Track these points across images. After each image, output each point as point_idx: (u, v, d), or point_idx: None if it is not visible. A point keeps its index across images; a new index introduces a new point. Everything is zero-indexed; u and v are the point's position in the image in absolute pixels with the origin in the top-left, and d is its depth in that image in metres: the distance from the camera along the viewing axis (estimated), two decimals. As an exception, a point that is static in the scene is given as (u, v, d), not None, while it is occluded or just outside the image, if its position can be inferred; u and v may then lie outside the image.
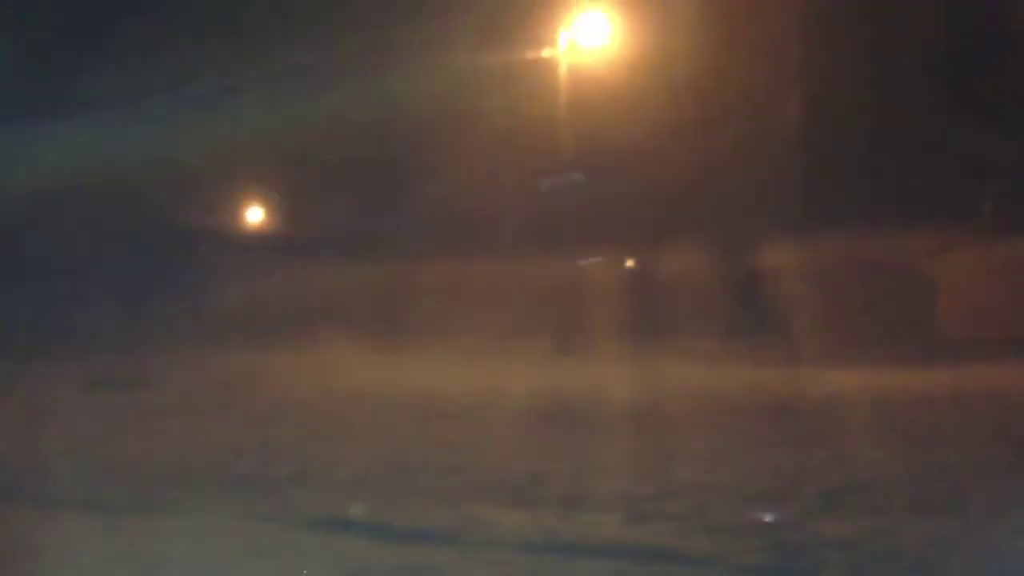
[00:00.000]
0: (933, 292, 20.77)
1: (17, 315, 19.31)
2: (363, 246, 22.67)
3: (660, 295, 21.31)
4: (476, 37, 18.01)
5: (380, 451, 10.54)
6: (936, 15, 19.01)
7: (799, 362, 18.25)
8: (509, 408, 13.37)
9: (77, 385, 15.84)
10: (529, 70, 18.70)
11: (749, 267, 20.98)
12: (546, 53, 18.61)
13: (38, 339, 18.71)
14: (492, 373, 16.49)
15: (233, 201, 24.48)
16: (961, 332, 19.90)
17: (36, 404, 13.94)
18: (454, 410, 13.24)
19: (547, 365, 18.08)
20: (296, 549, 7.52)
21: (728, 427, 12.10)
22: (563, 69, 18.70)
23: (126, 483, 9.58)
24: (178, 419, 13.19)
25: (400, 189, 22.13)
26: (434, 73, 18.30)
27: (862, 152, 20.96)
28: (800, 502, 8.69)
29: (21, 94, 19.18)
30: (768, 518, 8.19)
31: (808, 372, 16.80)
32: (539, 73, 18.74)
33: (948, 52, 19.11)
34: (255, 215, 25.22)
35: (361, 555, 7.29)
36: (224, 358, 18.35)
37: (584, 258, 22.77)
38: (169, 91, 18.92)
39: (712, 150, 21.21)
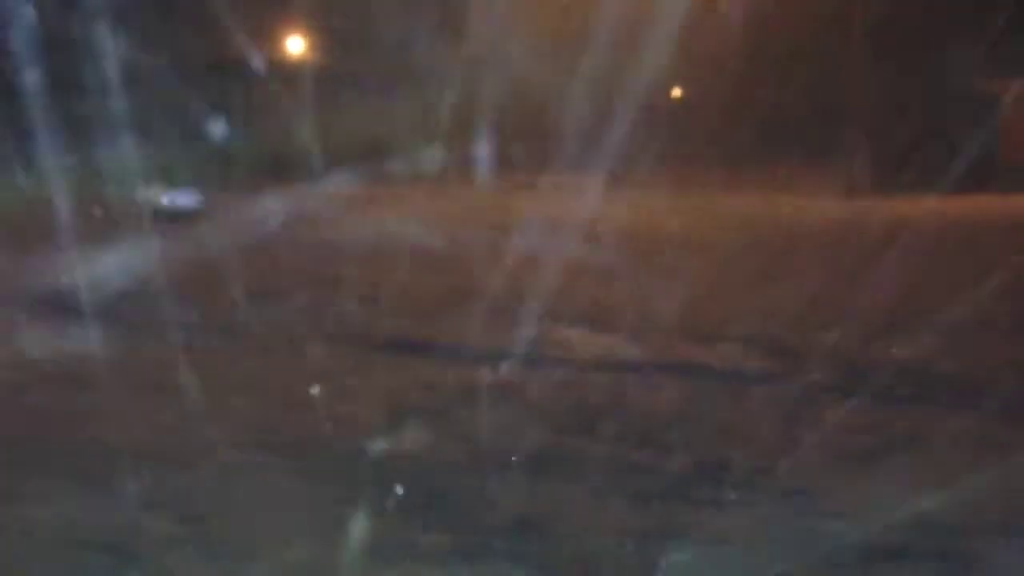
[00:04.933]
0: (995, 122, 20.27)
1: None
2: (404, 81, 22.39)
3: (724, 129, 20.99)
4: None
5: (447, 278, 10.66)
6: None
7: (857, 192, 18.11)
8: (570, 235, 13.41)
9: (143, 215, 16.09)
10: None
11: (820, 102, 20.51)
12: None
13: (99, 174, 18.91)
14: (547, 203, 16.49)
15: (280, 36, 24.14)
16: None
17: (104, 235, 14.18)
18: (513, 238, 13.29)
19: (601, 196, 18.01)
20: (374, 368, 7.70)
21: (788, 254, 12.10)
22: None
23: (198, 307, 9.78)
24: (236, 250, 13.35)
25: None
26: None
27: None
28: (863, 326, 8.74)
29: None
30: (832, 340, 8.26)
31: (870, 201, 16.66)
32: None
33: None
34: (297, 47, 24.83)
35: (440, 375, 7.45)
36: (283, 194, 18.47)
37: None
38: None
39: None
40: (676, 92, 26.90)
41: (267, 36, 24.02)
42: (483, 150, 20.80)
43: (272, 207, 17.04)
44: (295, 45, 25.87)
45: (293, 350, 8.32)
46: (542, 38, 21.00)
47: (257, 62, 22.04)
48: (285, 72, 23.83)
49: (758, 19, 20.04)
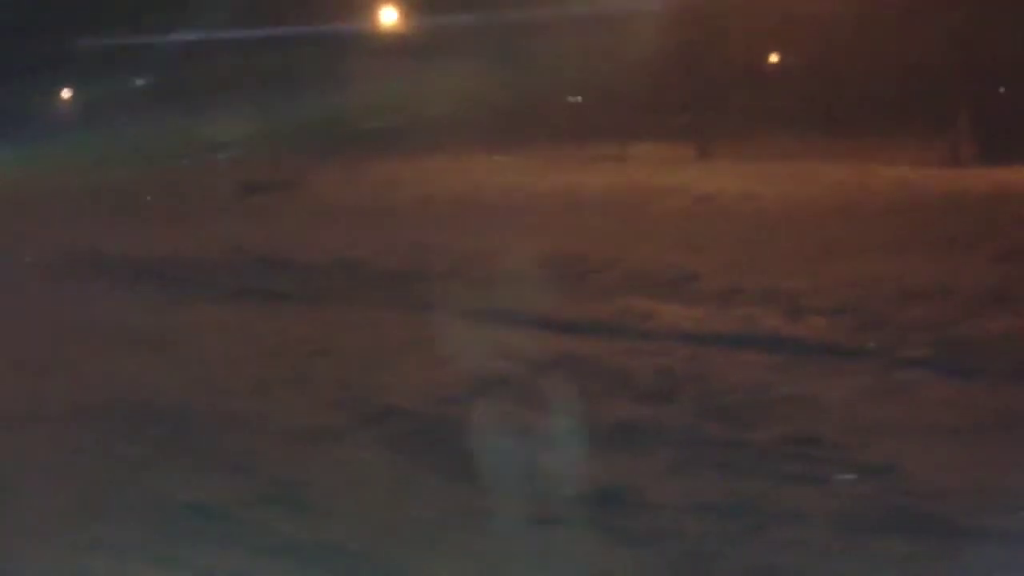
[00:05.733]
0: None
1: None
2: (494, 48, 22.31)
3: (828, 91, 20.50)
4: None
5: (530, 246, 10.64)
6: None
7: (962, 161, 17.54)
8: (656, 205, 13.30)
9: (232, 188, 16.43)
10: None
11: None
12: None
13: (193, 147, 19.40)
14: (633, 173, 16.38)
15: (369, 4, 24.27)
16: None
17: (198, 206, 14.55)
18: (600, 208, 13.23)
19: (689, 166, 17.81)
20: (457, 338, 7.72)
21: (886, 223, 11.79)
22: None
23: (290, 276, 9.97)
24: (328, 219, 13.55)
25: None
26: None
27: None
28: (963, 298, 8.47)
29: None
30: (931, 313, 8.02)
31: (976, 171, 16.11)
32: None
33: None
34: (389, 18, 24.92)
35: (520, 344, 7.43)
36: (368, 162, 18.65)
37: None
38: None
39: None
40: (773, 57, 26.29)
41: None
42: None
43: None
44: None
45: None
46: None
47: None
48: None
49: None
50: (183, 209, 14.40)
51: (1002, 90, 19.49)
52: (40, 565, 4.25)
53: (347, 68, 22.36)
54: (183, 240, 11.83)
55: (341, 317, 8.48)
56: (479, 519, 4.67)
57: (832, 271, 9.48)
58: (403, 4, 24.37)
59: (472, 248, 10.77)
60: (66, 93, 22.73)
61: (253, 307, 8.79)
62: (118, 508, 4.80)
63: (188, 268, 10.36)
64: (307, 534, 4.52)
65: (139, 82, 20.58)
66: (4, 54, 19.56)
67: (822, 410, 6.03)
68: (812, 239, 10.96)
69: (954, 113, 19.07)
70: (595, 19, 20.61)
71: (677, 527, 4.58)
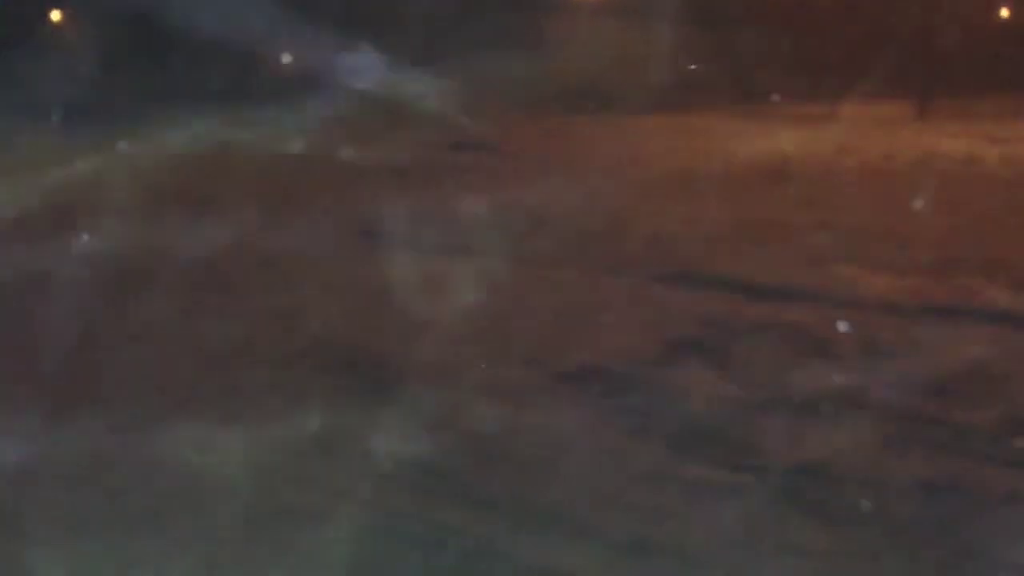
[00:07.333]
0: None
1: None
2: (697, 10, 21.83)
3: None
4: None
5: (735, 211, 10.43)
6: None
7: None
8: (870, 171, 12.76)
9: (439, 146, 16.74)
10: None
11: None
12: None
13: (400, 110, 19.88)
14: (845, 137, 15.73)
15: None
16: None
17: (403, 166, 14.92)
18: (812, 172, 12.79)
19: (901, 129, 16.96)
20: (660, 302, 7.65)
21: None
22: None
23: (485, 232, 10.06)
24: (530, 178, 13.61)
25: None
26: None
27: None
28: None
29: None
30: None
31: None
32: None
33: None
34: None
35: (719, 310, 7.31)
36: (568, 122, 18.66)
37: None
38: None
39: None
40: (1003, 12, 24.62)
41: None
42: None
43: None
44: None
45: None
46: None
47: None
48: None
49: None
50: (387, 168, 14.75)
51: None
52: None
53: (547, 28, 22.40)
54: (385, 199, 12.11)
55: (534, 278, 8.52)
56: (674, 486, 4.65)
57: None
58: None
59: (678, 213, 10.62)
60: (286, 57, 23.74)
61: (449, 262, 8.94)
62: (341, 468, 4.99)
63: (395, 223, 10.59)
64: (509, 491, 4.62)
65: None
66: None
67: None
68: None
69: None
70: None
71: (883, 507, 4.42)
